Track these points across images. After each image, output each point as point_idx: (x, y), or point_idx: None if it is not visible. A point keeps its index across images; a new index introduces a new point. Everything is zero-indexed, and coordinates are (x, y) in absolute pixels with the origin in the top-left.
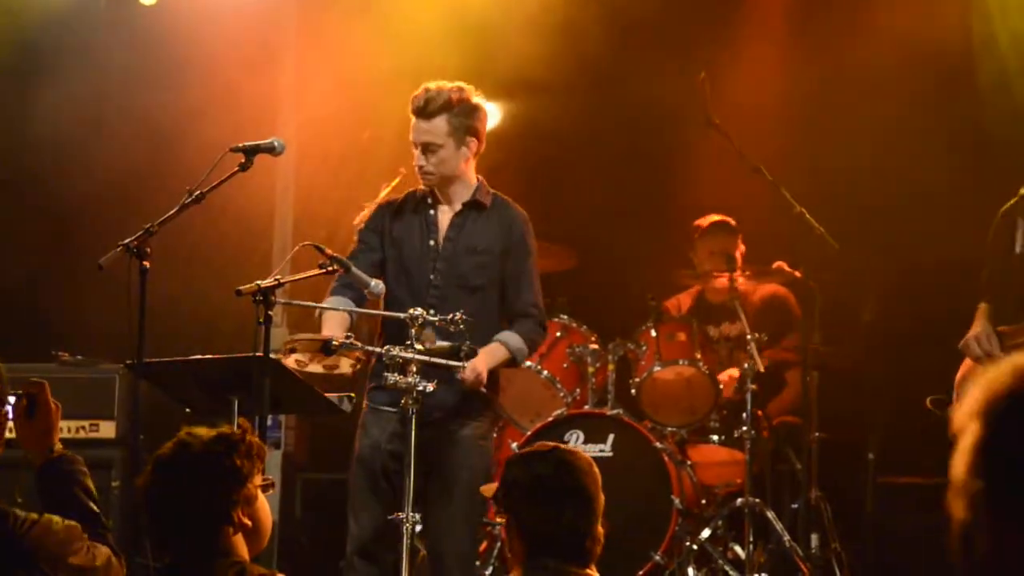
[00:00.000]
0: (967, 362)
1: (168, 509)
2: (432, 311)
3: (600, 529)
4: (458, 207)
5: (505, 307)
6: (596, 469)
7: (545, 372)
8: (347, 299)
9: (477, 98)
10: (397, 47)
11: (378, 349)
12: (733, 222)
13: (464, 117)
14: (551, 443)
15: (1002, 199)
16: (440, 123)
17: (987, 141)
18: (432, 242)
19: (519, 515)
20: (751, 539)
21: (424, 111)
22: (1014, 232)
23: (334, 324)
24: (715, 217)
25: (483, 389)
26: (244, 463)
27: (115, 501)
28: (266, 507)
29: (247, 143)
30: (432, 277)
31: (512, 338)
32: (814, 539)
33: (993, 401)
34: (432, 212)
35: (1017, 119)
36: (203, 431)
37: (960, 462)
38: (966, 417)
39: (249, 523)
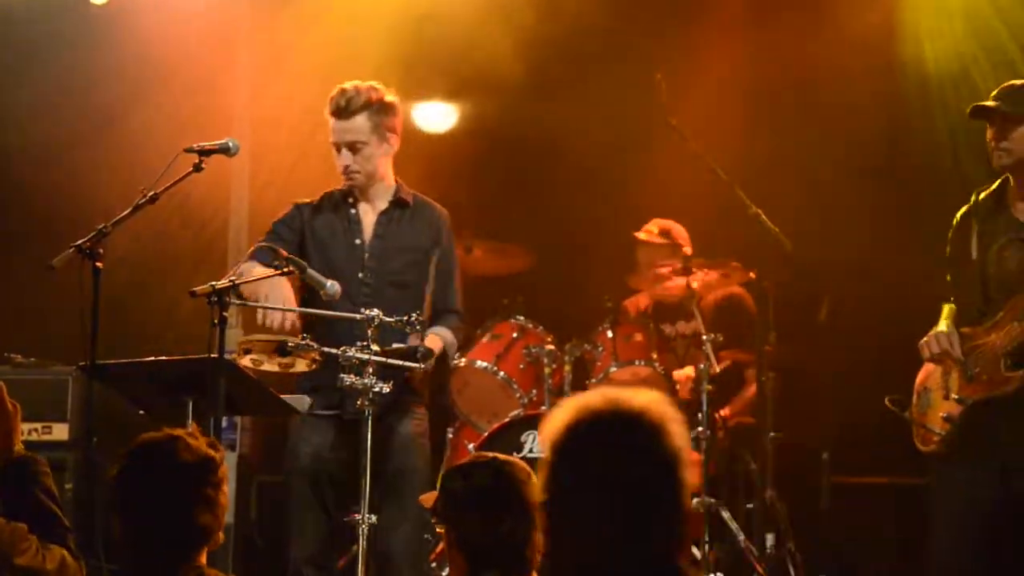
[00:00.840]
0: (928, 364)
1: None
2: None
3: (540, 537)
4: (381, 206)
5: (432, 304)
6: (535, 478)
7: (501, 373)
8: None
9: (392, 96)
10: (352, 49)
11: (335, 351)
12: (678, 230)
13: (383, 115)
14: (490, 454)
15: (958, 202)
16: (362, 121)
17: (942, 143)
18: (358, 241)
19: (458, 527)
20: (707, 539)
21: (345, 111)
22: (970, 236)
23: (259, 271)
24: (654, 228)
25: (416, 386)
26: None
27: (68, 504)
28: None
29: (201, 144)
30: (362, 275)
31: (446, 333)
32: (769, 539)
33: (555, 432)
34: (354, 211)
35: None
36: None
37: (539, 479)
38: (544, 442)
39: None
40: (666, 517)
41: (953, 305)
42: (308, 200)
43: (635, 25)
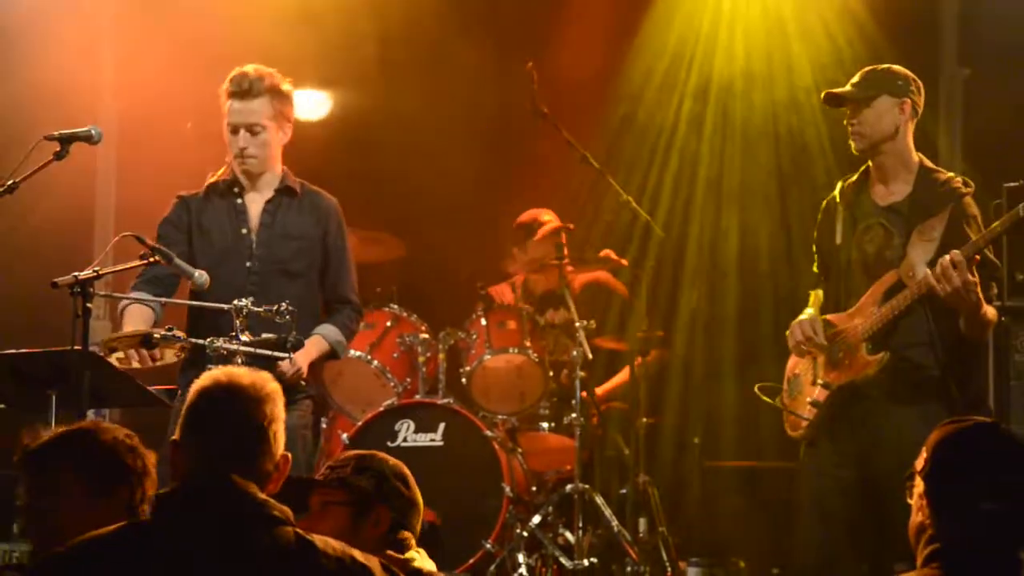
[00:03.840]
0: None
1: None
2: (252, 299)
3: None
4: (268, 194)
5: (324, 294)
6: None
7: (375, 362)
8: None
9: (288, 85)
10: (222, 35)
11: (201, 341)
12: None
13: (282, 102)
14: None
15: (824, 189)
16: (264, 104)
17: (802, 133)
18: (244, 230)
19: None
20: (580, 525)
21: (249, 92)
22: (835, 222)
23: (137, 320)
24: (548, 216)
25: (303, 382)
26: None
27: None
28: None
29: (62, 131)
30: (249, 264)
31: (330, 331)
32: (642, 523)
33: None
34: (240, 200)
35: (831, 122)
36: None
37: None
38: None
39: None
40: None
41: (820, 292)
42: (193, 192)
43: (510, 13)
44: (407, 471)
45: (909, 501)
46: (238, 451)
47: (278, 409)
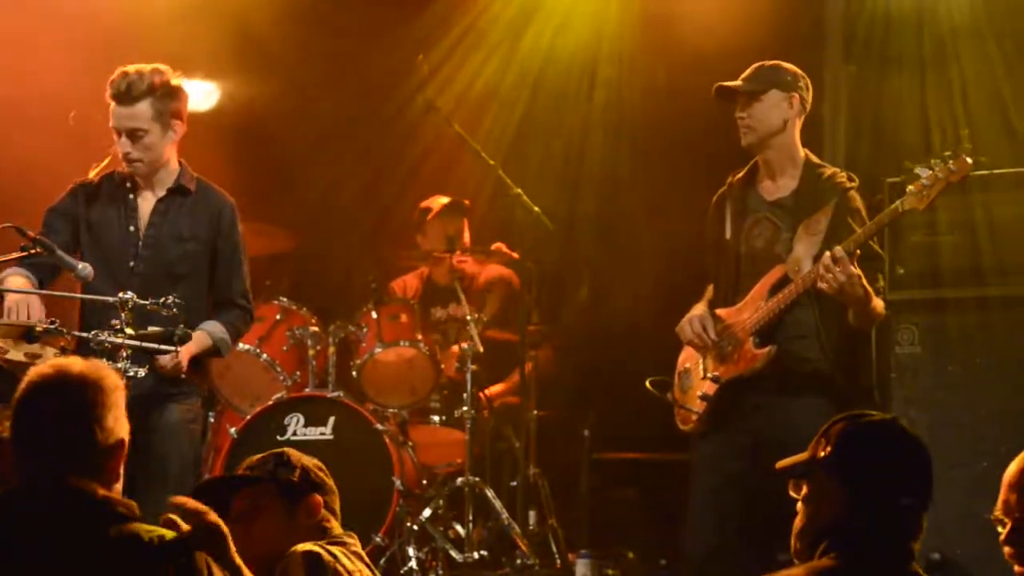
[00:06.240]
0: (689, 348)
1: None
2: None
3: None
4: (161, 192)
5: (213, 295)
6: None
7: (265, 355)
8: (29, 278)
9: (177, 79)
10: (105, 24)
11: (86, 335)
12: (466, 202)
13: (168, 100)
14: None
15: (714, 185)
16: (144, 108)
17: (688, 130)
18: (132, 228)
19: None
20: (471, 518)
21: (128, 96)
22: (724, 217)
23: (21, 285)
24: (444, 200)
25: (183, 375)
26: None
27: None
28: None
29: None
30: (133, 264)
31: (216, 328)
32: (532, 516)
33: None
34: (132, 197)
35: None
36: None
37: None
38: None
39: None
40: None
41: (712, 286)
42: (88, 180)
43: (403, 6)
44: (321, 464)
45: (793, 494)
46: (71, 445)
47: (112, 397)
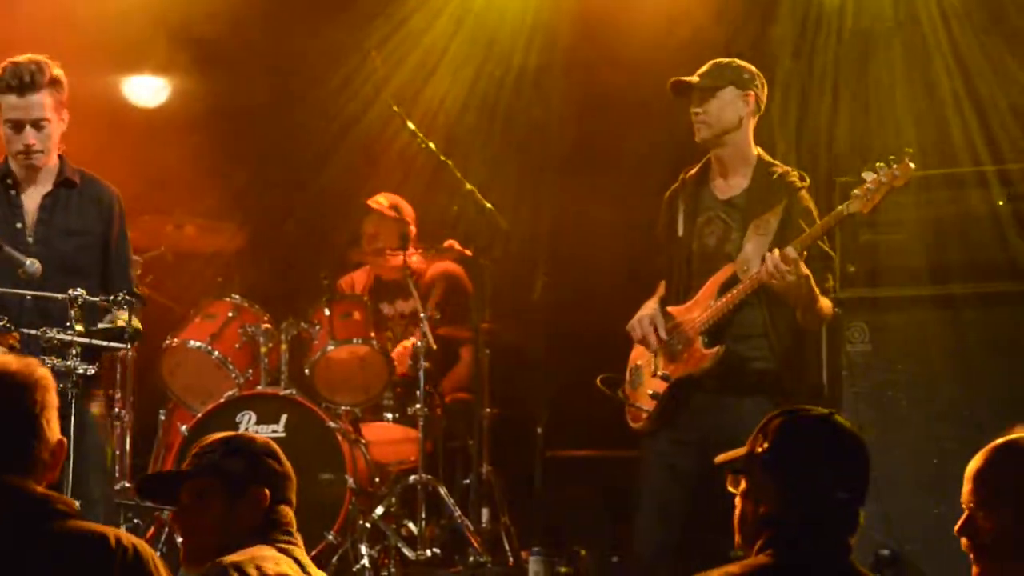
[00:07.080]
0: (639, 345)
1: None
2: (28, 298)
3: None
4: (45, 187)
5: (108, 288)
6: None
7: (216, 353)
8: None
9: (59, 70)
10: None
11: (35, 331)
12: (406, 207)
13: (61, 91)
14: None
15: (668, 181)
16: (45, 97)
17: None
18: (20, 225)
19: None
20: (423, 515)
21: (30, 86)
22: (677, 215)
23: None
24: (384, 200)
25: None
26: None
27: None
28: None
29: None
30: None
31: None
32: (485, 513)
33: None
34: (14, 192)
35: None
36: None
37: None
38: None
39: None
40: None
41: (664, 283)
42: None
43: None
44: (275, 446)
45: (731, 489)
46: (10, 443)
47: (50, 395)
